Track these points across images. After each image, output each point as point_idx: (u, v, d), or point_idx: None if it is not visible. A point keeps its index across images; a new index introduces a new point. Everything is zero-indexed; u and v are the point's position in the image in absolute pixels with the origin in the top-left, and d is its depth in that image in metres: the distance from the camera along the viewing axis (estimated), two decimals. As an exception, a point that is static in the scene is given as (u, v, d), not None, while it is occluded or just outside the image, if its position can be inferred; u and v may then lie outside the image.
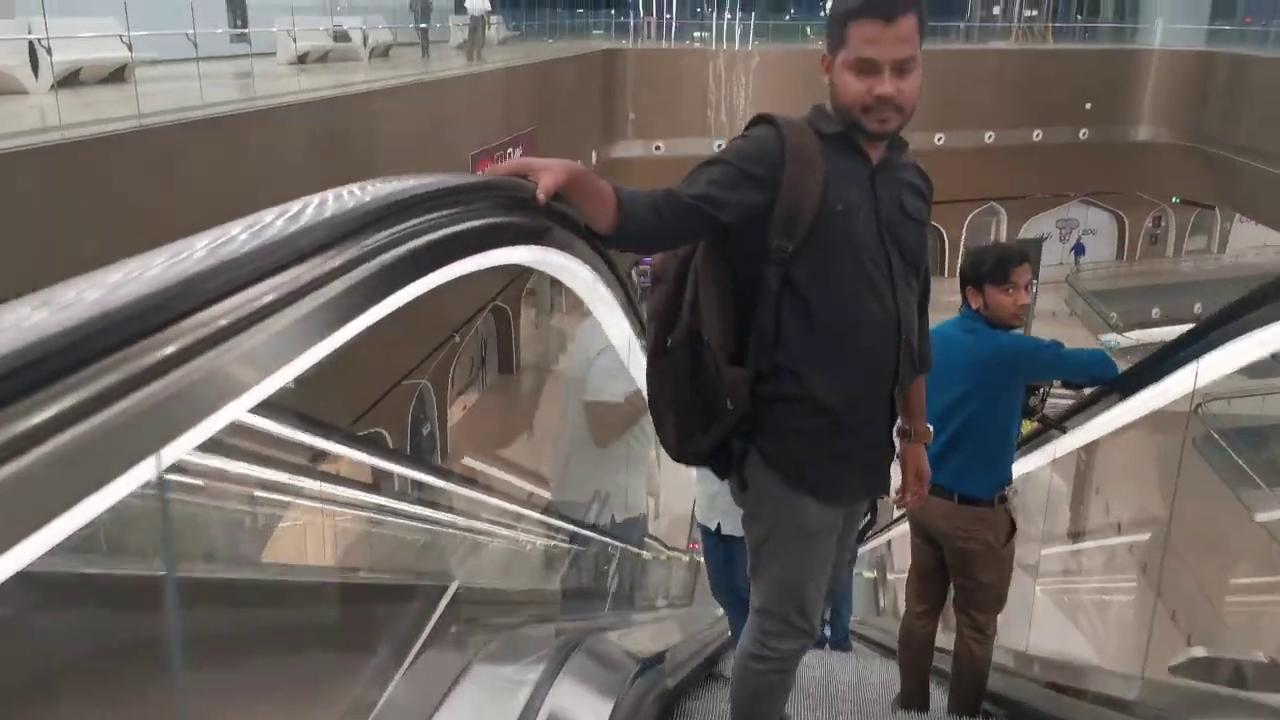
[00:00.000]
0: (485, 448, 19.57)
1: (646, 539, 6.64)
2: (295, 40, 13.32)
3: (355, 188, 1.22)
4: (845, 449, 2.12)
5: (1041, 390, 3.83)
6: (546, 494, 5.61)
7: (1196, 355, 3.10)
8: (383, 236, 1.17)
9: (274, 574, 4.22)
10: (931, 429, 2.47)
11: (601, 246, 2.16)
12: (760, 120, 2.08)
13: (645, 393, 2.32)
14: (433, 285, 1.39)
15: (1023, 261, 3.27)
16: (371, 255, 1.10)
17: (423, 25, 17.52)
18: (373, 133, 12.09)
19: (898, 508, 2.88)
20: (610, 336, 3.20)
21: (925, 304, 2.26)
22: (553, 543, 5.53)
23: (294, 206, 1.11)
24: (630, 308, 2.96)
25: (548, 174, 1.76)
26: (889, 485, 2.25)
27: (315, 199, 1.13)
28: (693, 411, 2.14)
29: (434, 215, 1.35)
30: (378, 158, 12.30)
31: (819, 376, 2.05)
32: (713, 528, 3.96)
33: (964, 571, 3.41)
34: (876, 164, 2.07)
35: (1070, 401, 4.27)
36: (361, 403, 14.20)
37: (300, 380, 1.04)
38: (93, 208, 6.68)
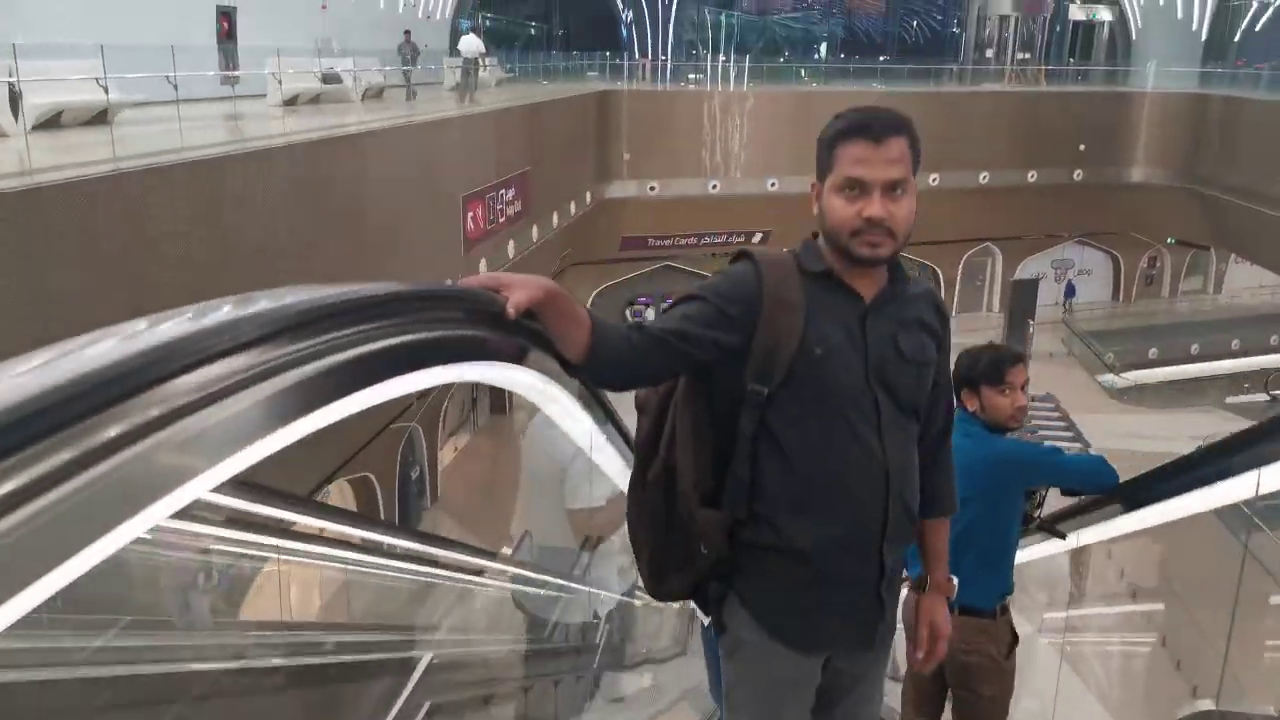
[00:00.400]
0: (475, 491, 19.34)
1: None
2: (281, 83, 13.25)
3: (266, 296, 1.16)
4: (827, 600, 1.99)
5: (1039, 495, 3.73)
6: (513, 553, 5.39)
7: (1199, 483, 3.03)
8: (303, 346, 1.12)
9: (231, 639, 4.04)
10: (955, 580, 2.27)
11: (570, 375, 2.04)
12: (741, 256, 2.00)
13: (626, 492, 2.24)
14: (381, 398, 1.35)
15: (1017, 362, 3.22)
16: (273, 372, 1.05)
17: (409, 68, 17.51)
18: (360, 175, 11.97)
19: (913, 668, 2.65)
20: (576, 438, 3.05)
21: (945, 439, 2.15)
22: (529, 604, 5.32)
23: (196, 310, 1.09)
24: (594, 400, 2.80)
25: (521, 290, 1.70)
26: (874, 638, 2.08)
27: (224, 304, 1.10)
28: (668, 550, 2.07)
29: (376, 325, 1.29)
30: (364, 201, 12.19)
31: (797, 526, 1.93)
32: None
33: (965, 684, 3.28)
34: (871, 302, 1.95)
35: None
36: (349, 447, 13.99)
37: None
38: (61, 253, 6.52)
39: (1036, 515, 3.76)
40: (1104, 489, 3.48)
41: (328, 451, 13.08)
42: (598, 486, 3.89)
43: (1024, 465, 3.29)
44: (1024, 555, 3.94)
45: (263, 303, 1.12)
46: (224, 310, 1.07)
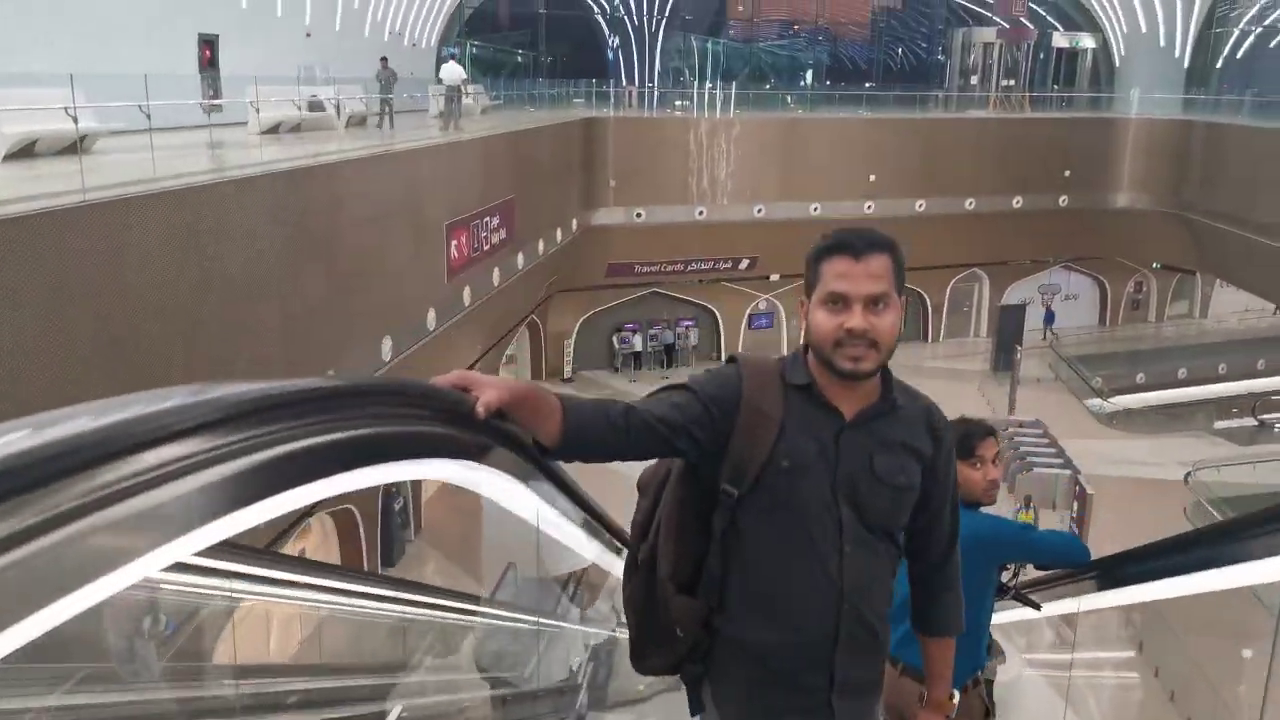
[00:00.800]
0: (462, 521, 19.08)
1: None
2: (258, 111, 13.15)
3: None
4: (779, 701, 2.04)
5: (1014, 567, 3.72)
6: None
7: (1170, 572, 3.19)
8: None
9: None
10: (956, 695, 2.32)
11: (543, 459, 2.11)
12: (731, 359, 2.07)
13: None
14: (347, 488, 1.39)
15: (988, 436, 3.20)
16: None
17: (387, 96, 17.43)
18: (341, 204, 11.85)
19: None
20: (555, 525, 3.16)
21: (947, 563, 2.18)
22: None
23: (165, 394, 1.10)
24: (563, 488, 2.87)
25: (492, 390, 1.78)
26: None
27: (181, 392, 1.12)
28: (650, 629, 2.16)
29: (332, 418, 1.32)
30: (345, 230, 12.06)
31: (755, 626, 2.02)
32: None
33: None
34: (851, 419, 1.98)
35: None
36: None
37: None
38: (20, 287, 6.36)
39: (1012, 585, 3.72)
40: (1075, 565, 3.51)
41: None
42: (574, 556, 3.87)
43: (997, 544, 3.25)
44: (1000, 618, 3.94)
45: (217, 391, 1.16)
46: (184, 396, 1.11)
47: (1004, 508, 17.93)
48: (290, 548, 13.76)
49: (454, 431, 1.74)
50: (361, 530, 15.45)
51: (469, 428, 1.75)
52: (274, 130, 14.60)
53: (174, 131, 12.31)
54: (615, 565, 4.22)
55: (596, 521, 3.47)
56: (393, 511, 16.74)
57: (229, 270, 9.07)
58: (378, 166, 13.03)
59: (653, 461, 2.21)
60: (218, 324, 8.90)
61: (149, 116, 8.92)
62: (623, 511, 2.69)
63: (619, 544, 3.81)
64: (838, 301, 1.91)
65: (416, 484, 17.96)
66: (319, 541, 15.24)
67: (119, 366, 7.55)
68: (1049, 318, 33.13)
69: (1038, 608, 3.83)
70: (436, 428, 1.69)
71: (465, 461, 1.89)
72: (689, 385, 2.00)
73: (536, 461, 2.00)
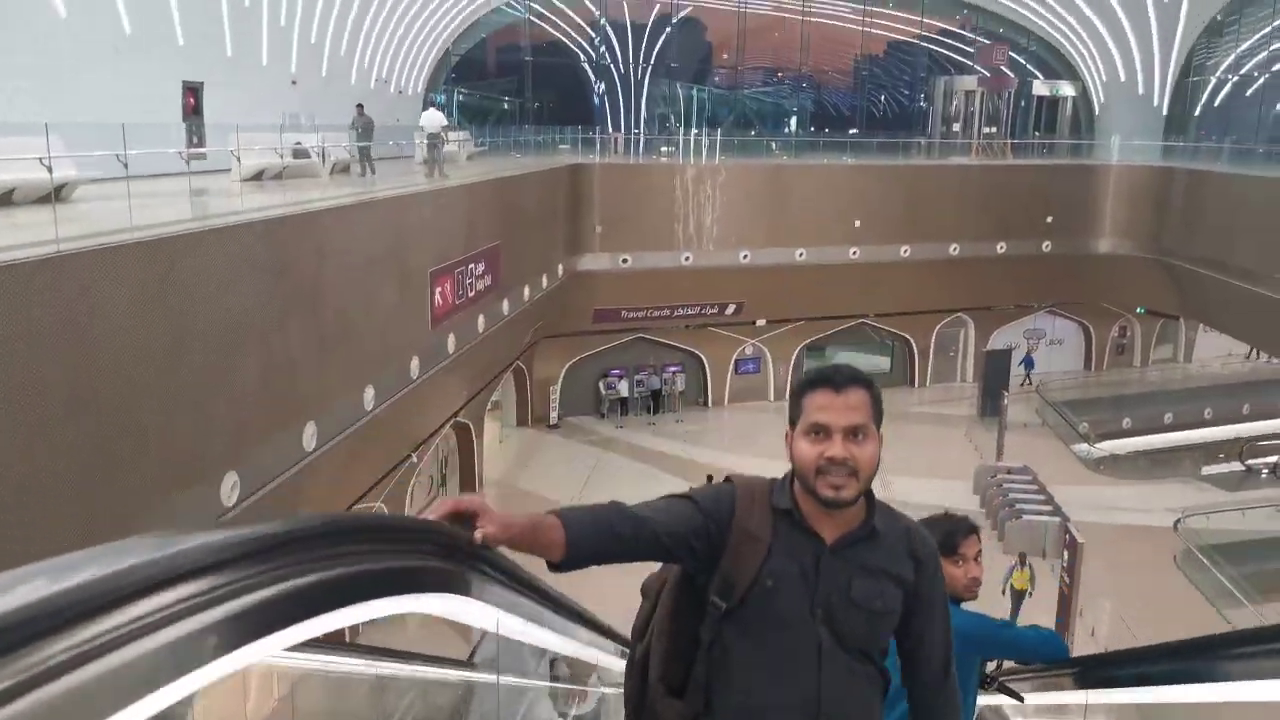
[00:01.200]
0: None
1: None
2: (239, 159, 13.07)
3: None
4: None
5: (998, 660, 3.77)
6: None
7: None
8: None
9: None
10: None
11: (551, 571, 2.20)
12: (727, 480, 2.19)
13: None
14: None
15: (971, 533, 3.25)
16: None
17: (364, 144, 17.40)
18: (323, 253, 11.73)
19: None
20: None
21: (940, 686, 2.20)
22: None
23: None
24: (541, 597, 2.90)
25: (492, 525, 1.88)
26: None
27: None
28: None
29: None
30: (327, 279, 11.93)
31: None
32: None
33: None
34: (832, 544, 2.08)
35: None
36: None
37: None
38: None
39: (995, 676, 3.76)
40: (1055, 661, 3.55)
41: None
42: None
43: (978, 642, 3.26)
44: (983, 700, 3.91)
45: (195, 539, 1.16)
46: (158, 545, 1.10)
47: (998, 565, 17.79)
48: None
49: (440, 564, 1.78)
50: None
51: (452, 560, 1.79)
52: (257, 177, 14.52)
53: (156, 179, 12.22)
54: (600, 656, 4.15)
55: (574, 618, 3.45)
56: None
57: (205, 321, 8.92)
58: (360, 214, 12.94)
59: (657, 567, 2.34)
60: (193, 377, 8.72)
61: (126, 165, 8.80)
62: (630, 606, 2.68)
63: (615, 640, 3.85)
64: (819, 432, 2.03)
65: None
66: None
67: (89, 422, 7.37)
68: (1028, 363, 33.20)
69: (1021, 699, 3.82)
70: (422, 562, 1.73)
71: (442, 594, 1.91)
72: (691, 497, 2.12)
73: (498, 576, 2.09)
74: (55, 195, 10.69)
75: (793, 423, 2.10)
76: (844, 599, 2.04)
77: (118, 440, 7.77)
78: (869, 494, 2.10)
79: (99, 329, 7.37)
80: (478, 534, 1.83)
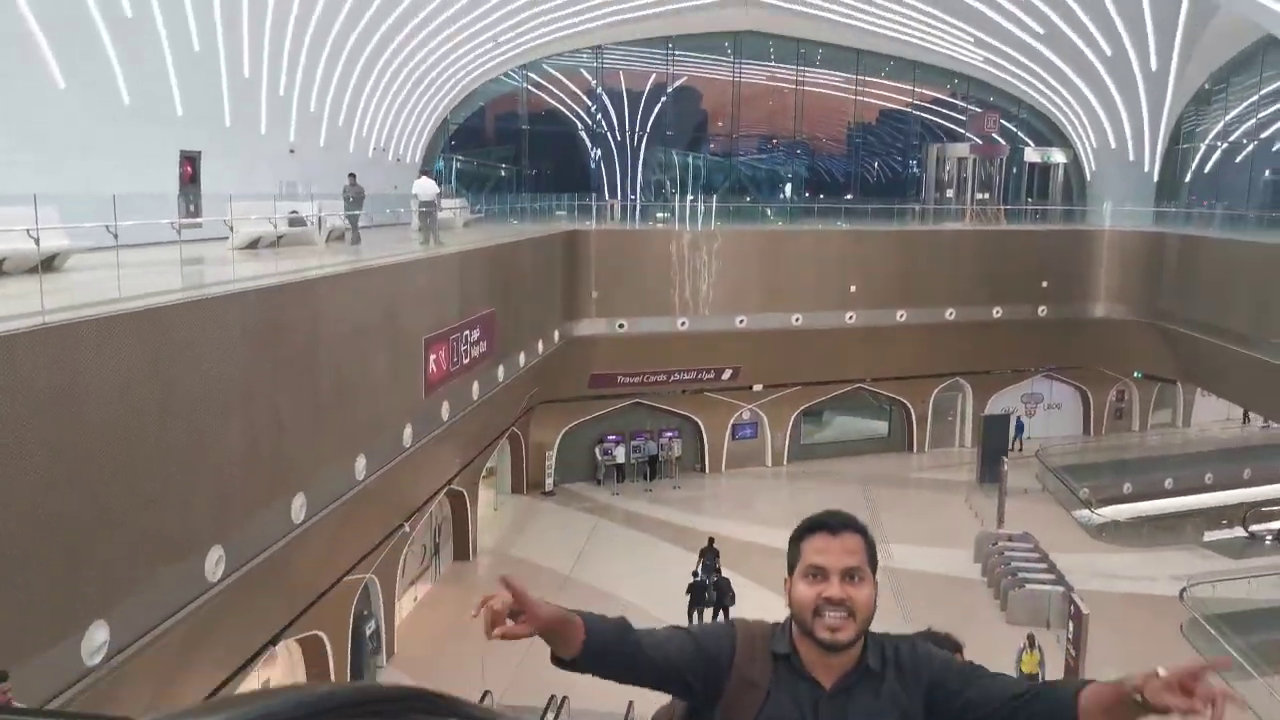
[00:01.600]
0: (436, 645, 18.38)
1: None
2: (233, 229, 13.06)
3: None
4: None
5: None
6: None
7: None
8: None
9: None
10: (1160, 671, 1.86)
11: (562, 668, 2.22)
12: (731, 623, 2.23)
13: None
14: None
15: (955, 652, 3.27)
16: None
17: (354, 212, 17.44)
18: (314, 320, 11.65)
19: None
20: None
21: (1023, 697, 2.08)
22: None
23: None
24: None
25: (530, 624, 1.96)
26: None
27: None
28: None
29: None
30: (320, 347, 11.83)
31: None
32: None
33: None
34: (830, 689, 2.11)
35: None
36: (299, 601, 13.24)
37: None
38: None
39: None
40: None
41: (275, 607, 12.34)
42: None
43: None
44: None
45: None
46: None
47: (1008, 645, 17.43)
48: (254, 677, 13.14)
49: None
50: (330, 656, 14.82)
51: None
52: (253, 245, 14.51)
53: (152, 248, 12.18)
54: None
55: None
56: (364, 636, 16.11)
57: (191, 392, 8.79)
58: (353, 282, 12.90)
59: (666, 699, 2.38)
60: (178, 449, 8.57)
61: (115, 235, 8.75)
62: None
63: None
64: (816, 574, 2.09)
65: (390, 606, 17.35)
66: (285, 671, 14.57)
67: (67, 497, 7.21)
68: (1019, 428, 33.01)
69: None
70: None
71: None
72: (694, 635, 2.18)
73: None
74: (47, 265, 10.65)
75: (791, 569, 2.17)
76: None
77: (97, 515, 7.59)
78: (865, 635, 2.14)
79: (80, 401, 7.24)
80: (496, 634, 1.93)
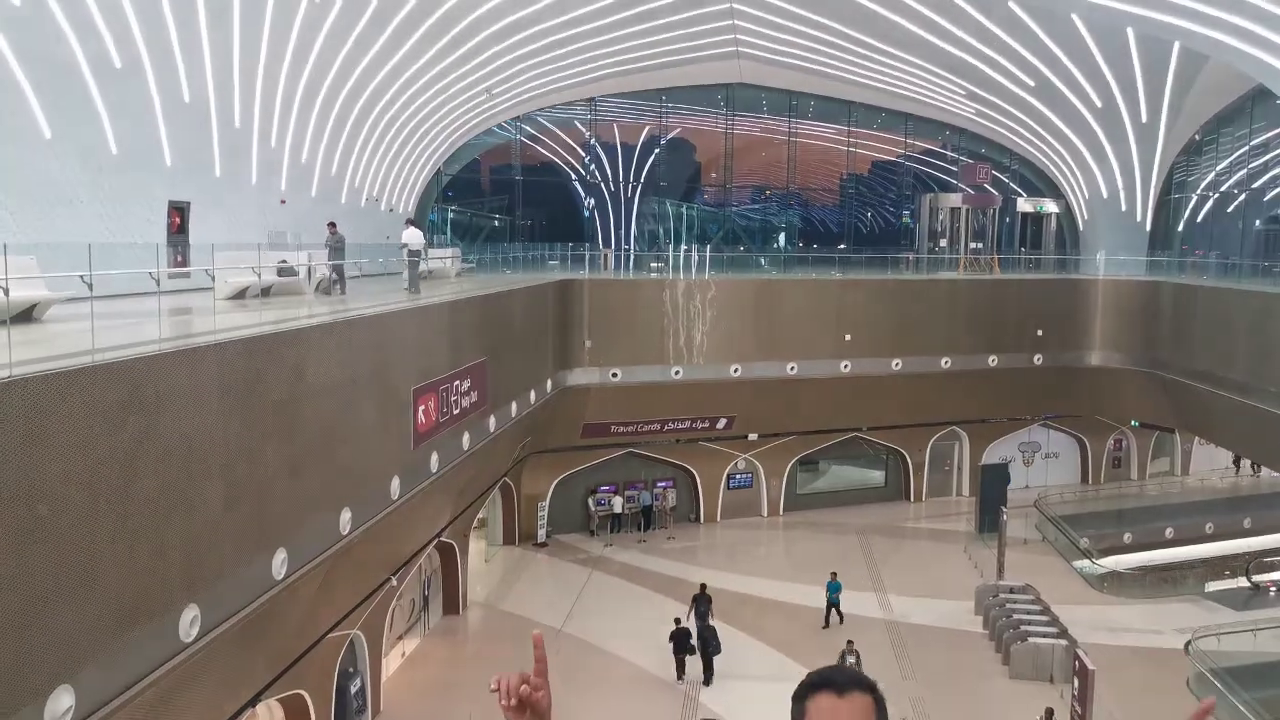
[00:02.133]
0: (424, 701, 17.91)
1: None
2: (214, 278, 12.89)
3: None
4: None
5: None
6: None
7: None
8: None
9: None
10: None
11: None
12: None
13: None
14: None
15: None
16: None
17: (336, 262, 17.29)
18: (299, 371, 11.42)
19: None
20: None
21: None
22: None
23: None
24: None
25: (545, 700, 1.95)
26: None
27: None
28: None
29: None
30: (302, 398, 11.59)
31: None
32: None
33: None
34: None
35: None
36: (281, 659, 12.84)
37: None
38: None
39: None
40: None
41: (255, 666, 11.95)
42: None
43: None
44: None
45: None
46: None
47: (1013, 702, 16.97)
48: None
49: None
50: (313, 716, 14.36)
51: None
52: (240, 295, 14.33)
53: (136, 298, 11.99)
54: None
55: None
56: (349, 695, 15.66)
57: (165, 445, 8.54)
58: (339, 332, 12.69)
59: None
60: (149, 504, 8.29)
61: (90, 286, 8.56)
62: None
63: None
64: None
65: (376, 663, 16.91)
66: (265, 731, 14.12)
67: (33, 554, 6.92)
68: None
69: None
70: None
71: None
72: None
73: None
74: (26, 315, 10.46)
75: None
76: None
77: (61, 574, 7.30)
78: None
79: (44, 454, 6.99)
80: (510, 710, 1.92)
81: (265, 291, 15.12)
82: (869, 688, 2.05)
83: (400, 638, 19.46)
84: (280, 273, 15.85)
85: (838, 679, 2.04)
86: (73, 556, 7.42)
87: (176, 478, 8.71)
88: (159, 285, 9.14)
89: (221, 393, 9.60)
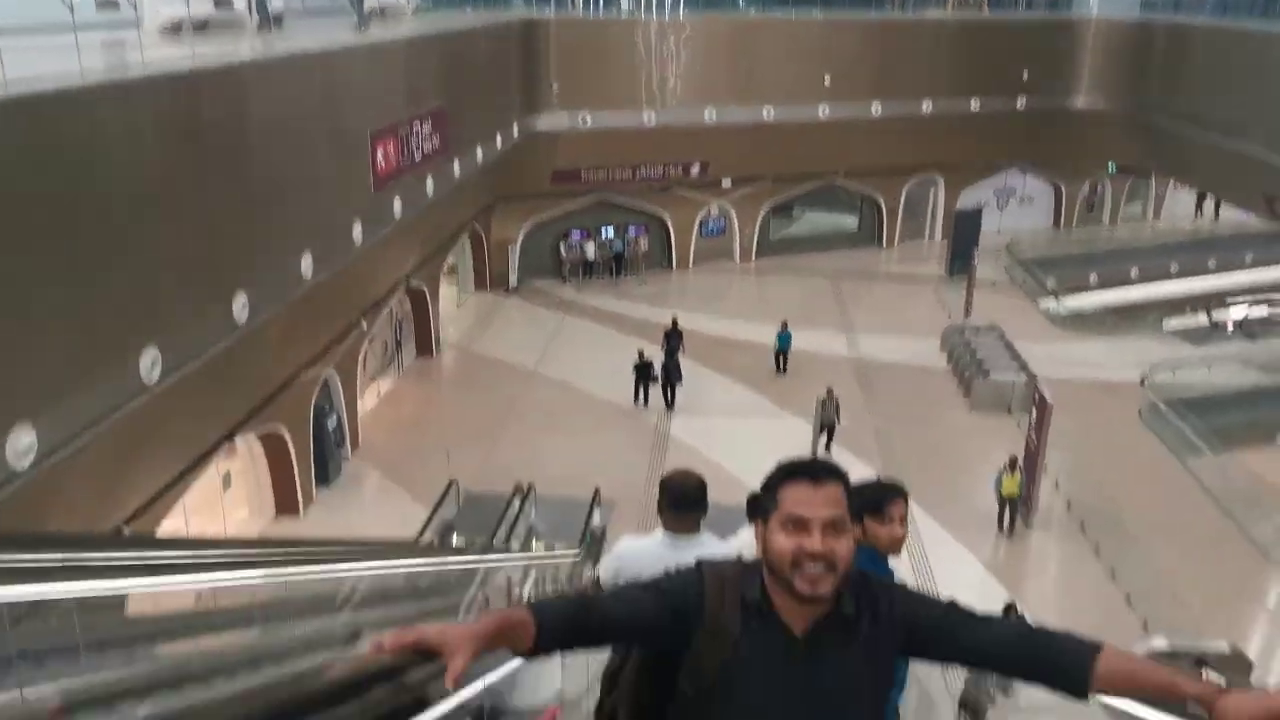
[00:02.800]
0: (402, 436, 18.58)
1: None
2: (138, 5, 12.05)
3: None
4: None
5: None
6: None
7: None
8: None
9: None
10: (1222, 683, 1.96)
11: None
12: (698, 567, 2.16)
13: None
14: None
15: (898, 497, 3.48)
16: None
17: None
18: (244, 114, 10.97)
19: None
20: None
21: (1014, 651, 2.10)
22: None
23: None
24: None
25: (459, 656, 1.74)
26: None
27: None
28: None
29: None
30: (251, 140, 11.20)
31: None
32: None
33: None
34: (803, 634, 2.06)
35: None
36: (256, 397, 13.12)
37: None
38: None
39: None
40: None
41: (228, 404, 12.21)
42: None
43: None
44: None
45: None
46: None
47: (974, 431, 17.66)
48: (215, 470, 13.20)
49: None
50: (293, 451, 14.90)
51: None
52: (175, 29, 13.49)
53: (62, 33, 11.27)
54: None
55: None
56: (326, 429, 16.18)
57: (103, 188, 8.28)
58: (288, 71, 12.09)
59: None
60: (90, 245, 8.14)
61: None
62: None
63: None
64: (797, 525, 2.00)
65: (351, 400, 17.38)
66: (245, 465, 14.69)
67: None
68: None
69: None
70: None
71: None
72: (658, 584, 2.11)
73: None
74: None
75: (764, 514, 2.07)
76: (817, 688, 2.03)
77: (10, 316, 7.27)
78: None
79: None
80: (449, 681, 1.72)
81: (201, 26, 14.24)
82: (842, 477, 2.08)
83: (374, 379, 19.90)
84: (217, 4, 14.88)
85: (813, 468, 2.07)
86: (14, 299, 7.36)
87: (117, 220, 8.51)
88: (72, 14, 8.53)
89: (158, 131, 9.22)
